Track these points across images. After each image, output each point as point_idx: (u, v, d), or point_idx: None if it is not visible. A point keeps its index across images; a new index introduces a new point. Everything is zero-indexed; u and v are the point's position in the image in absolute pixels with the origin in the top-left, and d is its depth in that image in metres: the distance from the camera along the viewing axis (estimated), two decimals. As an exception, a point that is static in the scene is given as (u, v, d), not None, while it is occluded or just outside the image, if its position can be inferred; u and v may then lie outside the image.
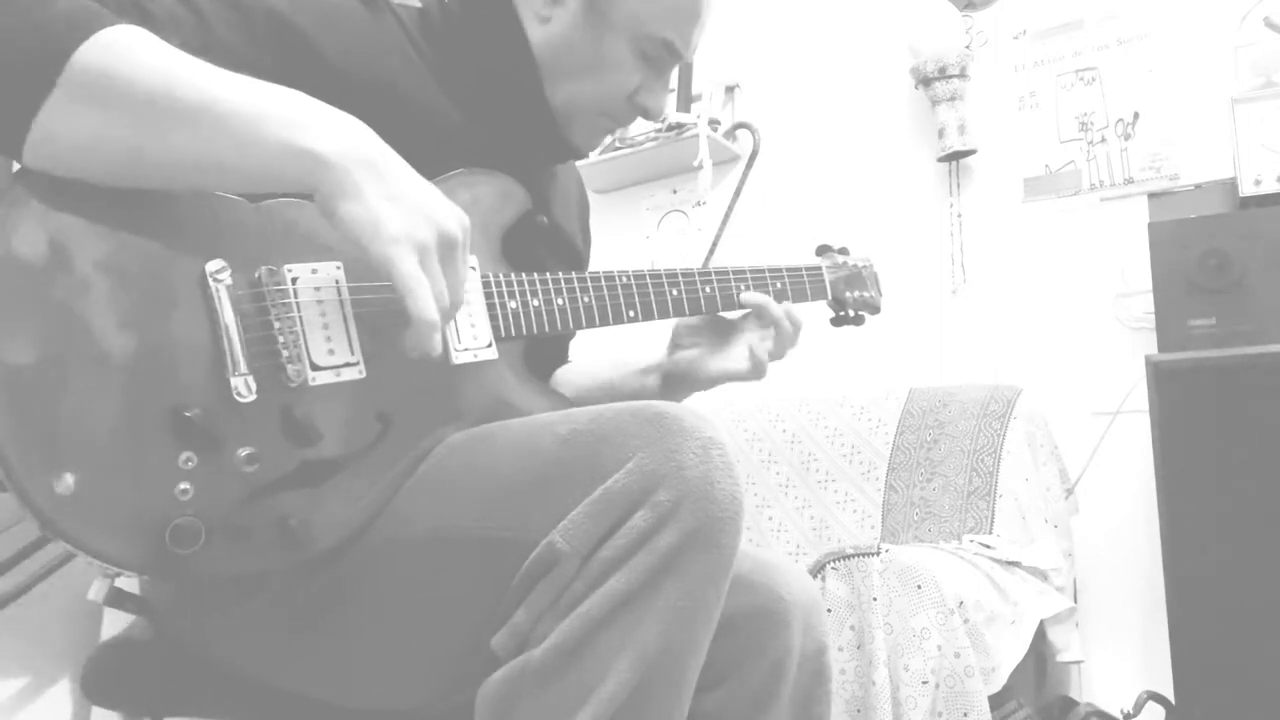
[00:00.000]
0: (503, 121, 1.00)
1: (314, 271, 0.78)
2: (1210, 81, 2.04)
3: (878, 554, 1.38)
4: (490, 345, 0.90)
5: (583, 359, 1.23)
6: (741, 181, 2.62)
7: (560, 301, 0.97)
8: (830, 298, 1.26)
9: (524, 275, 0.95)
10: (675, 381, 1.15)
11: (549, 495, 0.72)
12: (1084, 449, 2.06)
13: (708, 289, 1.10)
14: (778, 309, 1.11)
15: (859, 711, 1.34)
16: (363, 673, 0.83)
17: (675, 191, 2.74)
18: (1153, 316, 1.74)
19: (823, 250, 1.31)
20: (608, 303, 1.01)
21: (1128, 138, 2.13)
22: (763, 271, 1.16)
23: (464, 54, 0.99)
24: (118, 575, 0.74)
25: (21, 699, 2.08)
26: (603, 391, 1.17)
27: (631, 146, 2.60)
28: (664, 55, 1.00)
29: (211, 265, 0.73)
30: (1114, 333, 2.09)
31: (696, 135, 2.50)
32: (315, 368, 0.76)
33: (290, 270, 0.77)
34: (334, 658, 0.83)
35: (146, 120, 0.68)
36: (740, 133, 2.64)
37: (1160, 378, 1.61)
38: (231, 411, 0.72)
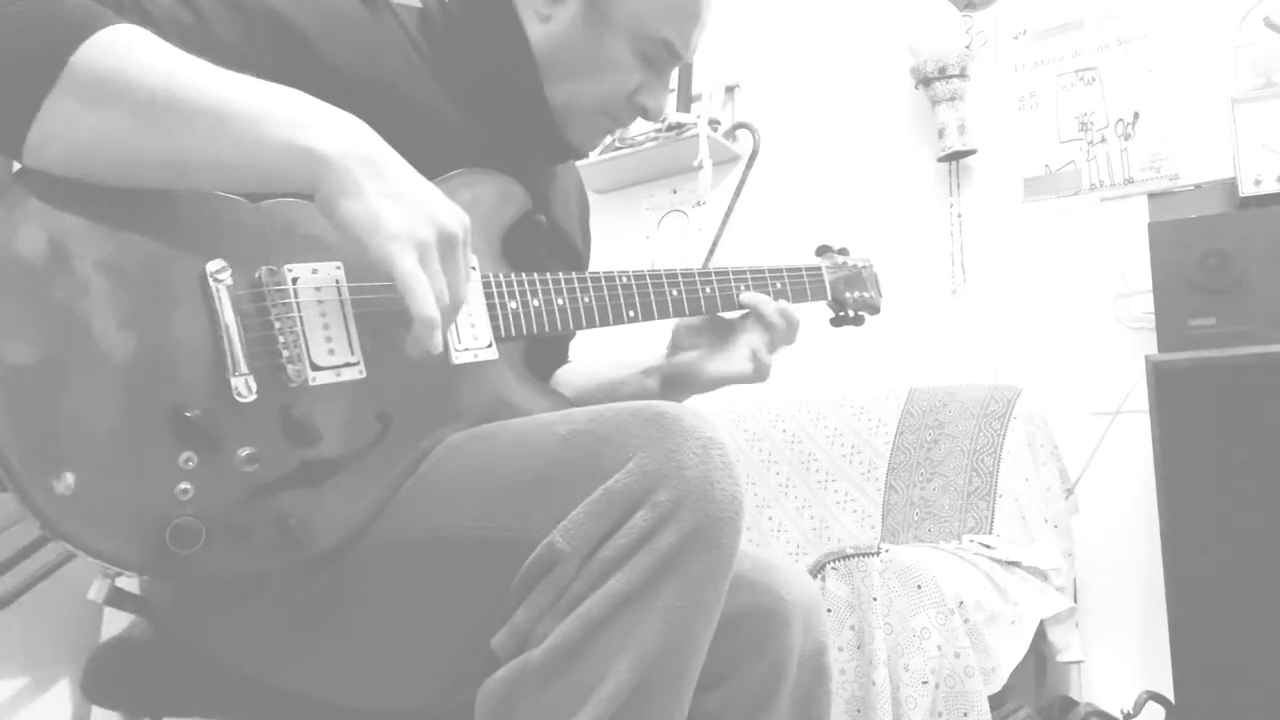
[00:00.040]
0: (503, 121, 1.00)
1: (314, 271, 0.78)
2: (1210, 81, 2.04)
3: (878, 554, 1.38)
4: (490, 345, 0.90)
5: (582, 359, 1.23)
6: (741, 181, 2.62)
7: (560, 302, 0.97)
8: (830, 298, 1.26)
9: (524, 275, 0.95)
10: (675, 382, 1.15)
11: (549, 495, 0.72)
12: (1084, 449, 2.06)
13: (708, 289, 1.10)
14: (772, 308, 1.10)
15: (859, 711, 1.34)
16: (363, 673, 0.83)
17: (675, 191, 2.74)
18: (1153, 316, 1.74)
19: (822, 251, 1.31)
20: (608, 303, 1.01)
21: (1128, 138, 2.13)
22: (763, 272, 1.16)
23: (464, 54, 0.99)
24: (118, 575, 0.74)
25: (21, 699, 2.08)
26: (602, 392, 1.17)
27: (631, 146, 2.60)
28: (664, 55, 1.00)
29: (212, 265, 0.73)
30: (1114, 333, 2.09)
31: (696, 135, 2.50)
32: (315, 368, 0.76)
33: (290, 270, 0.77)
34: (334, 658, 0.83)
35: (147, 120, 0.68)
36: (740, 133, 2.64)
37: (1160, 378, 1.61)
38: (232, 411, 0.72)
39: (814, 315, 1.31)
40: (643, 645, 0.68)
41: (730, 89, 2.69)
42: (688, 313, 1.09)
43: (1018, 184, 2.25)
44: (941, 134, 2.27)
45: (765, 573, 0.93)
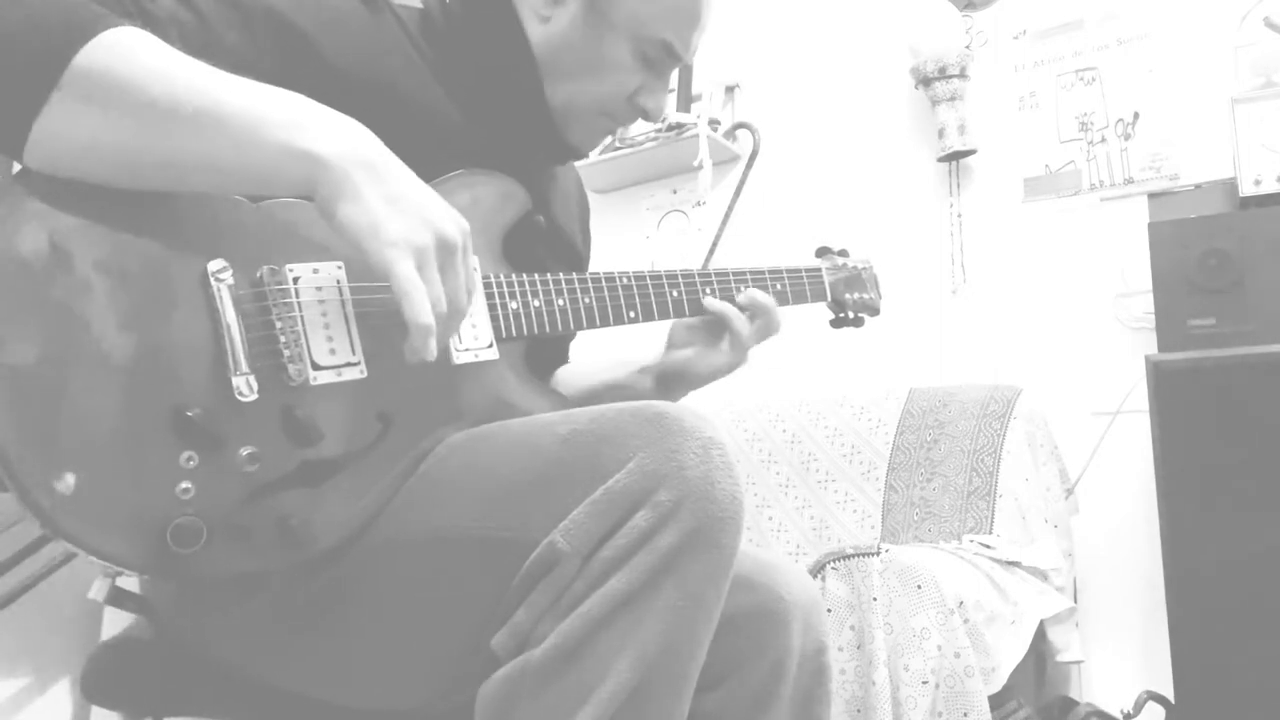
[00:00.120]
0: (503, 122, 1.00)
1: (315, 271, 0.78)
2: (1210, 81, 2.04)
3: (878, 554, 1.39)
4: (491, 345, 0.90)
5: (581, 359, 1.23)
6: (741, 181, 2.62)
7: (561, 302, 0.97)
8: (830, 299, 1.26)
9: (525, 276, 0.95)
10: (670, 379, 1.15)
11: (549, 495, 0.72)
12: (1084, 449, 2.06)
13: (708, 290, 1.10)
14: (737, 318, 1.09)
15: (859, 711, 1.34)
16: (363, 673, 0.83)
17: (675, 191, 2.74)
18: (1153, 316, 1.74)
19: (822, 252, 1.32)
20: (608, 303, 1.01)
21: (1128, 138, 2.13)
22: (762, 273, 1.16)
23: (464, 54, 0.99)
24: (119, 574, 0.74)
25: (21, 699, 2.08)
26: (600, 392, 1.17)
27: (631, 146, 2.60)
28: (663, 57, 1.00)
29: (213, 265, 0.73)
30: (1114, 333, 2.09)
31: (696, 135, 2.50)
32: (316, 367, 0.76)
33: (292, 270, 0.77)
34: (334, 658, 0.83)
35: (147, 122, 0.68)
36: (740, 133, 2.65)
37: (1160, 378, 1.62)
38: (233, 411, 0.72)
39: (814, 316, 1.31)
40: (643, 645, 0.68)
41: (730, 89, 2.69)
42: (688, 313, 1.09)
43: (1018, 184, 2.25)
44: (941, 134, 2.27)
45: (765, 573, 0.93)
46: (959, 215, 2.32)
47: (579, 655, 0.68)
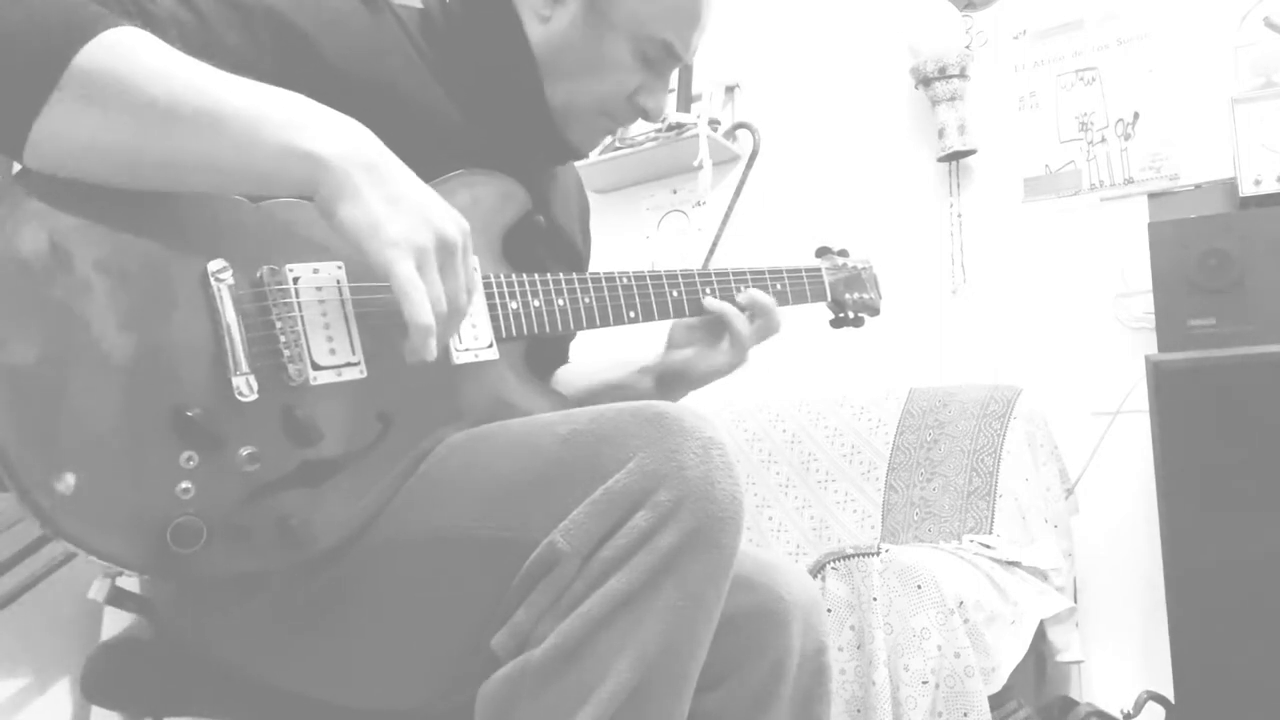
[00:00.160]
0: (503, 121, 1.00)
1: (315, 271, 0.78)
2: (1210, 81, 2.04)
3: (878, 554, 1.39)
4: (491, 345, 0.90)
5: (581, 359, 1.23)
6: (741, 181, 2.62)
7: (561, 302, 0.97)
8: (830, 299, 1.26)
9: (525, 276, 0.95)
10: (670, 379, 1.15)
11: (549, 495, 0.72)
12: (1084, 449, 2.06)
13: (708, 290, 1.10)
14: (737, 319, 1.09)
15: (859, 711, 1.34)
16: (363, 673, 0.83)
17: (675, 191, 2.74)
18: (1153, 316, 1.74)
19: (822, 252, 1.32)
20: (608, 303, 1.01)
21: (1128, 138, 2.13)
22: (762, 273, 1.16)
23: (464, 54, 0.99)
24: (119, 574, 0.74)
25: (21, 699, 2.08)
26: (600, 392, 1.17)
27: (631, 146, 2.60)
28: (663, 57, 1.00)
29: (213, 265, 0.73)
30: (1114, 333, 2.09)
31: (696, 135, 2.50)
32: (316, 367, 0.76)
33: (292, 270, 0.77)
34: (334, 658, 0.83)
35: (147, 122, 0.68)
36: (740, 133, 2.65)
37: (1160, 378, 1.62)
38: (233, 411, 0.72)
39: (814, 316, 1.31)
40: (643, 645, 0.68)
41: (730, 89, 2.69)
42: (688, 313, 1.09)
43: (1018, 184, 2.25)
44: (941, 134, 2.27)
45: (765, 573, 0.93)
46: (959, 215, 2.32)
47: (579, 655, 0.68)
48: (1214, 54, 2.05)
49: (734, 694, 0.90)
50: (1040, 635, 1.68)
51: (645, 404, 0.74)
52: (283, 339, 0.75)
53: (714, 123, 2.58)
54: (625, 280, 1.03)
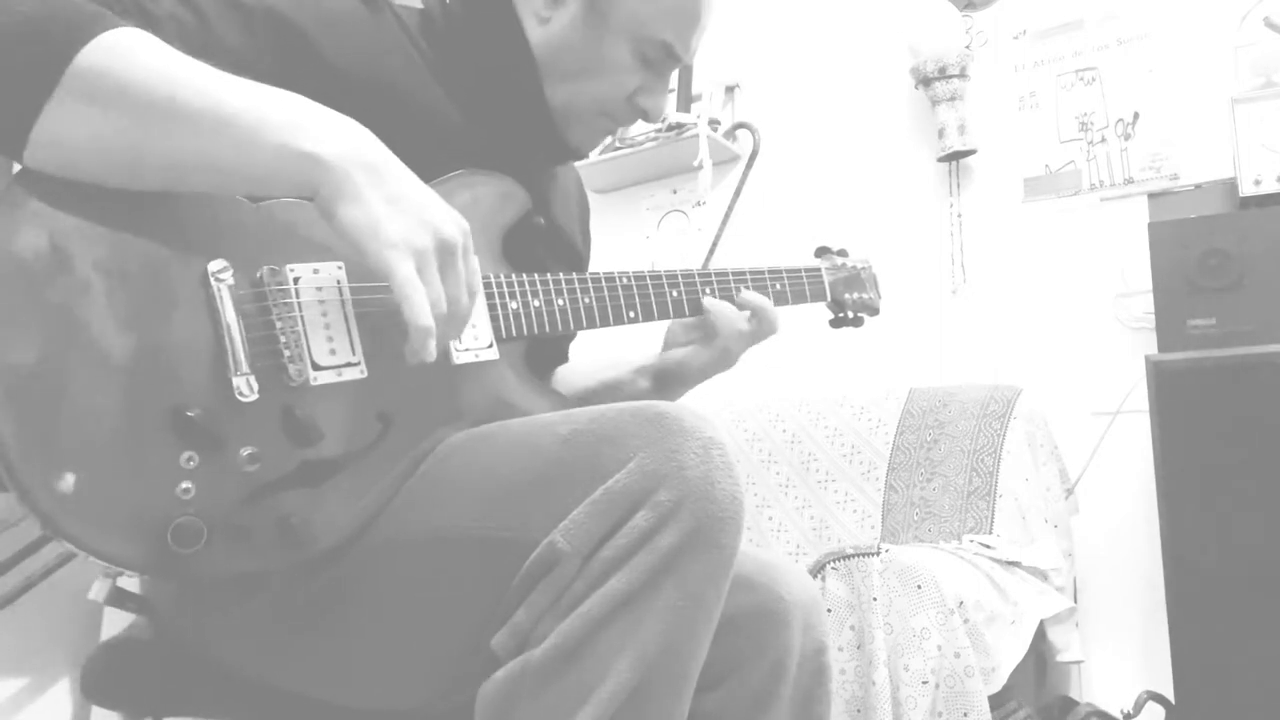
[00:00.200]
0: (503, 122, 1.00)
1: (316, 271, 0.78)
2: (1210, 81, 2.04)
3: (878, 554, 1.39)
4: (491, 345, 0.90)
5: (580, 359, 1.23)
6: (741, 181, 2.62)
7: (561, 302, 0.97)
8: (829, 299, 1.26)
9: (525, 276, 0.95)
10: (668, 378, 1.15)
11: (550, 495, 0.72)
12: (1084, 449, 2.06)
13: (707, 290, 1.10)
14: (733, 315, 1.09)
15: (859, 711, 1.34)
16: (363, 673, 0.83)
17: (675, 191, 2.74)
18: (1153, 316, 1.74)
19: (822, 252, 1.32)
20: (608, 303, 1.01)
21: (1128, 138, 2.13)
22: (762, 273, 1.16)
23: (464, 54, 0.99)
24: (119, 574, 0.74)
25: (21, 699, 2.08)
26: (599, 391, 1.17)
27: (631, 146, 2.60)
28: (663, 58, 1.00)
29: (213, 265, 0.73)
30: (1114, 333, 2.09)
31: (696, 135, 2.50)
32: (317, 367, 0.76)
33: (292, 270, 0.77)
34: (334, 658, 0.83)
35: (148, 122, 0.68)
36: (740, 133, 2.65)
37: (1160, 378, 1.62)
38: (233, 411, 0.72)
39: (814, 317, 1.31)
40: (643, 645, 0.68)
41: (730, 89, 2.69)
42: (688, 313, 1.09)
43: (1018, 184, 2.25)
44: (941, 134, 2.27)
45: (765, 573, 0.93)
46: (959, 215, 2.32)
47: (579, 655, 0.68)
48: (1214, 54, 2.05)
49: (734, 694, 0.90)
50: (1040, 635, 1.68)
51: (645, 404, 0.74)
52: (283, 339, 0.75)
53: (714, 123, 2.58)
54: (625, 280, 1.03)
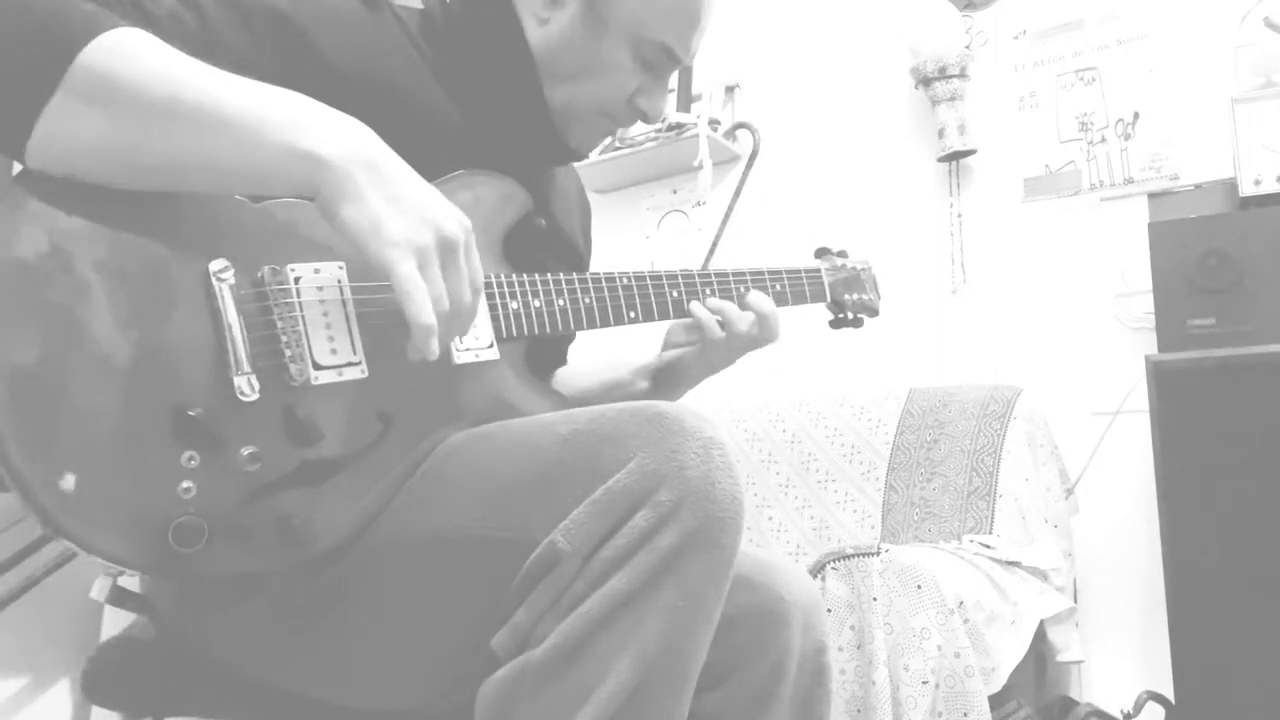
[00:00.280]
0: (502, 122, 1.01)
1: (317, 271, 0.78)
2: (1210, 81, 2.04)
3: (878, 554, 1.39)
4: (491, 345, 0.90)
5: (580, 360, 1.23)
6: (741, 181, 2.62)
7: (561, 302, 0.97)
8: (829, 300, 1.26)
9: (525, 276, 0.95)
10: (667, 378, 1.15)
11: (550, 495, 0.72)
12: (1084, 449, 2.06)
13: (708, 290, 1.10)
14: (704, 313, 1.09)
15: (859, 711, 1.34)
16: (363, 673, 0.83)
17: (675, 191, 2.74)
18: (1153, 316, 1.74)
19: (821, 252, 1.32)
20: (609, 304, 1.01)
21: (1128, 138, 2.13)
22: (762, 273, 1.16)
23: (464, 54, 1.00)
24: (120, 574, 0.74)
25: (21, 699, 2.08)
26: (598, 391, 1.17)
27: (631, 146, 2.60)
28: (662, 59, 1.00)
29: (214, 265, 0.73)
30: (1114, 333, 2.09)
31: (696, 135, 2.50)
32: (318, 367, 0.77)
33: (293, 270, 0.77)
34: (334, 658, 0.83)
35: (149, 122, 0.68)
36: (740, 133, 2.65)
37: (1160, 378, 1.62)
38: (234, 410, 0.72)
39: (813, 317, 1.31)
40: (643, 645, 0.68)
41: (730, 89, 2.69)
42: (688, 314, 1.09)
43: (1018, 184, 2.26)
44: (941, 134, 2.27)
45: (765, 573, 0.93)
46: (959, 215, 2.32)
47: (579, 655, 0.68)
48: (1214, 54, 2.05)
49: (734, 694, 0.90)
50: (1040, 635, 1.69)
51: (646, 404, 0.74)
52: (284, 339, 0.75)
53: (714, 123, 2.58)
54: (625, 280, 1.03)
